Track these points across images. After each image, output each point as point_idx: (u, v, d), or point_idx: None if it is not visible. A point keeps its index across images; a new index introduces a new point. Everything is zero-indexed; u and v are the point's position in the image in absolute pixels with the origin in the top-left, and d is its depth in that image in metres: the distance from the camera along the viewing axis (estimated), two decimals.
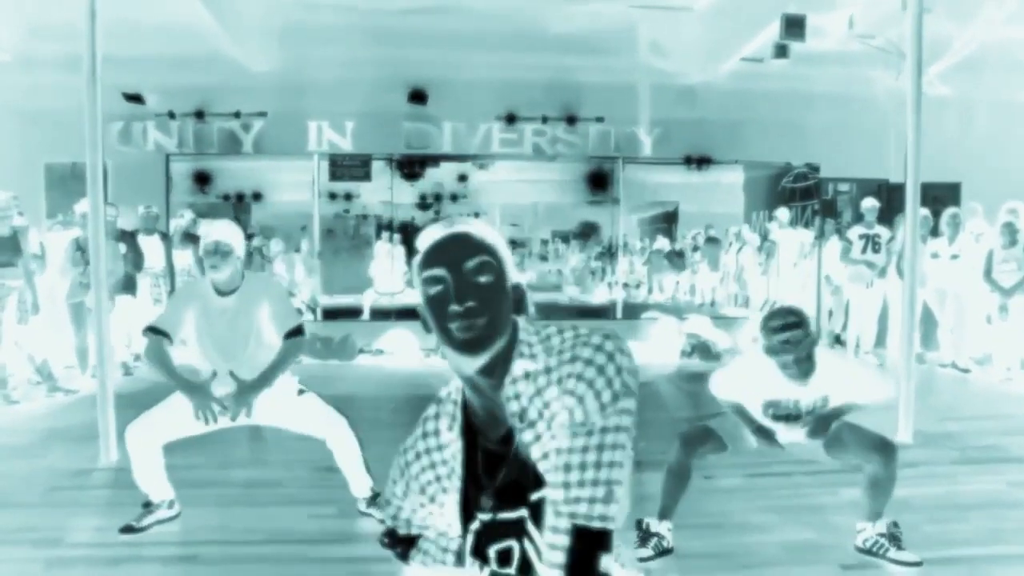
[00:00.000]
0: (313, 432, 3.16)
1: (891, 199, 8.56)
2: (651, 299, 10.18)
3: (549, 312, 9.01)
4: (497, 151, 9.00)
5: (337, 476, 3.25)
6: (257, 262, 8.68)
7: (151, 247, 6.79)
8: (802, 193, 9.36)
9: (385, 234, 9.37)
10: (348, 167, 8.70)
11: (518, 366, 1.15)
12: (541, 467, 1.13)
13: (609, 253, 9.88)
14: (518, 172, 9.61)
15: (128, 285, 6.51)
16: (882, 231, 7.31)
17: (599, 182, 9.40)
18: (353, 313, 8.84)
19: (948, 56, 7.99)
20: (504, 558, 1.21)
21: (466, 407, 1.25)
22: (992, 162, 8.34)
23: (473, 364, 1.15)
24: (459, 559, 1.26)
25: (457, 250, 1.15)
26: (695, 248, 10.35)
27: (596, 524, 1.07)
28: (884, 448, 2.68)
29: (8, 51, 7.88)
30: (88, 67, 4.00)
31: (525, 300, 1.21)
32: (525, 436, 1.14)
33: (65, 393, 5.71)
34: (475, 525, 1.22)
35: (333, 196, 9.17)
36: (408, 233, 9.56)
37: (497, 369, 1.16)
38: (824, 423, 2.73)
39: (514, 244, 10.19)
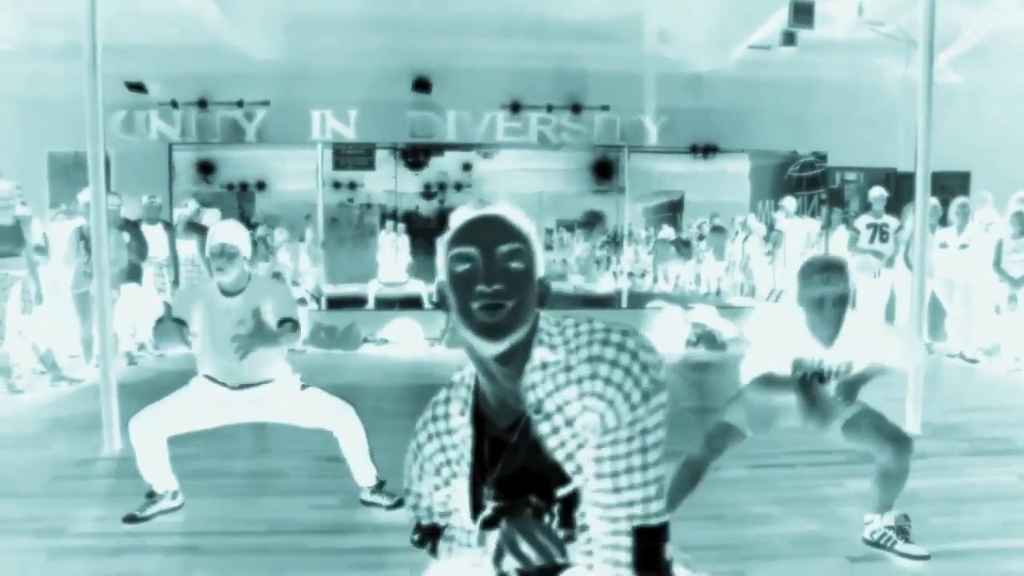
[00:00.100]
0: (321, 424, 3.16)
1: (899, 188, 8.48)
2: (656, 288, 10.14)
3: (554, 301, 8.94)
4: (502, 140, 8.94)
5: (339, 466, 3.25)
6: (261, 252, 8.66)
7: (154, 236, 6.79)
8: (809, 182, 9.29)
9: (389, 223, 9.34)
10: (352, 156, 8.66)
11: (537, 355, 1.15)
12: (565, 464, 1.14)
13: (614, 242, 9.84)
14: (523, 161, 9.54)
15: (133, 274, 6.51)
16: (890, 220, 7.25)
17: (604, 171, 9.34)
18: (357, 302, 8.82)
19: (959, 43, 7.89)
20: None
21: (477, 393, 1.24)
22: (1002, 151, 8.24)
23: (492, 349, 1.14)
24: (483, 543, 1.24)
25: (491, 232, 1.15)
26: (700, 237, 10.29)
27: (653, 521, 1.11)
28: (899, 440, 2.63)
29: (10, 40, 7.85)
30: (89, 56, 3.97)
31: (549, 295, 1.21)
32: (542, 428, 1.14)
33: (69, 382, 5.72)
34: (485, 513, 1.22)
35: (337, 185, 9.13)
36: (412, 222, 9.53)
37: (515, 357, 1.16)
38: (852, 387, 2.65)
39: None
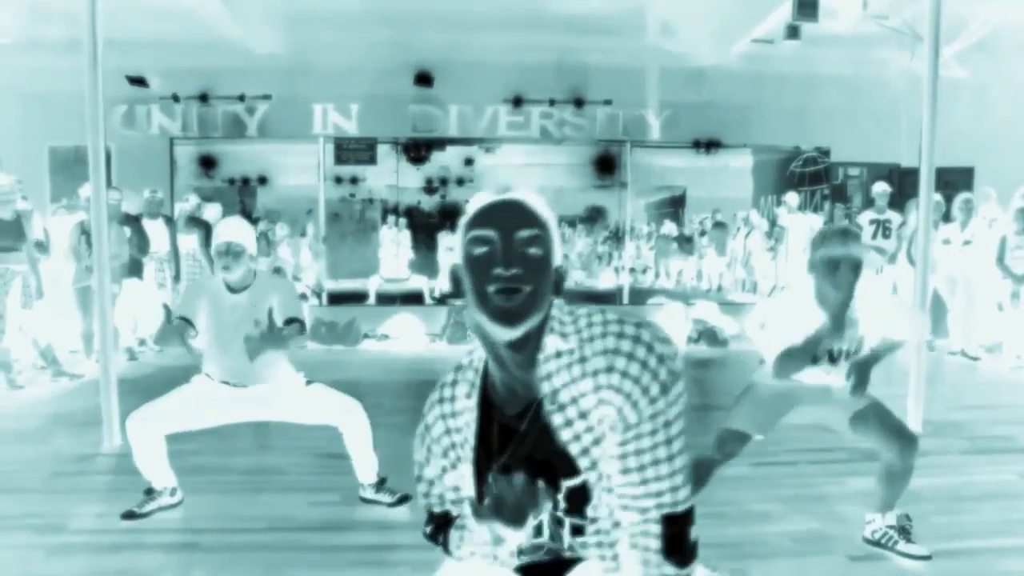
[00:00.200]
0: (328, 421, 3.14)
1: (902, 184, 8.45)
2: (657, 284, 10.13)
3: None
4: (504, 134, 8.92)
5: (339, 463, 3.24)
6: (262, 247, 8.65)
7: (155, 231, 6.78)
8: (812, 177, 9.26)
9: (391, 218, 9.33)
10: (354, 151, 8.65)
11: (550, 343, 1.15)
12: (579, 459, 1.14)
13: (616, 238, 9.82)
14: (525, 156, 9.52)
15: (135, 269, 6.51)
16: (893, 216, 7.22)
17: (606, 166, 9.32)
18: (358, 298, 8.82)
19: (964, 37, 7.84)
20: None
21: (485, 378, 1.24)
22: (1006, 146, 8.20)
23: (506, 335, 1.14)
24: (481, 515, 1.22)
25: (511, 217, 1.14)
26: (702, 233, 10.27)
27: (680, 508, 1.15)
28: (904, 438, 2.61)
29: (10, 34, 7.83)
30: (89, 50, 3.95)
31: (563, 284, 1.21)
32: (555, 419, 1.14)
33: (70, 378, 5.72)
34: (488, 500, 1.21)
35: (339, 180, 9.12)
36: (414, 217, 9.52)
37: (528, 345, 1.16)
38: (864, 372, 2.62)
39: None
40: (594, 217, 10.16)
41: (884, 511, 2.72)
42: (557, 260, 1.18)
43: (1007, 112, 8.60)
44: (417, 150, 9.20)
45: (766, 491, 3.36)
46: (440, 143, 9.16)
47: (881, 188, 7.34)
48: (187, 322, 3.05)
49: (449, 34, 8.10)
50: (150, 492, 3.09)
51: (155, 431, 2.98)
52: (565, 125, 8.95)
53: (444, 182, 9.59)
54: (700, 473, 2.74)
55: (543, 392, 1.15)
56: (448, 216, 9.55)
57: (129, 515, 3.01)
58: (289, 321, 3.08)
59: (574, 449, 1.15)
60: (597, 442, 1.14)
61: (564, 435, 1.14)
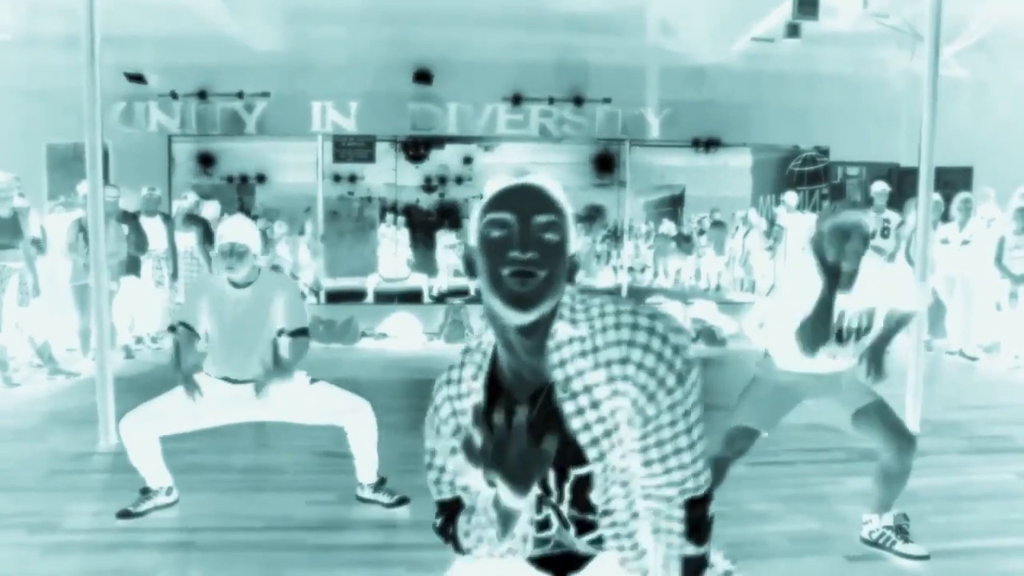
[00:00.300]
0: (334, 420, 3.11)
1: (901, 183, 8.44)
2: (656, 283, 10.12)
3: None
4: (503, 132, 8.90)
5: (337, 462, 3.23)
6: (260, 245, 8.64)
7: (153, 229, 6.76)
8: (810, 177, 9.25)
9: (389, 216, 9.31)
10: (352, 148, 8.63)
11: (561, 330, 1.15)
12: (588, 449, 1.15)
13: (614, 236, 9.81)
14: (524, 154, 9.50)
15: (132, 266, 6.49)
16: (892, 216, 7.20)
17: (606, 164, 9.30)
18: (356, 296, 8.81)
19: (964, 37, 7.83)
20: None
21: (494, 363, 1.23)
22: (1005, 146, 8.18)
23: (519, 320, 1.13)
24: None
25: (529, 201, 1.14)
26: (701, 232, 10.27)
27: (702, 492, 1.19)
28: (903, 438, 2.59)
29: (8, 30, 7.80)
30: (87, 47, 3.94)
31: (576, 272, 1.21)
32: (567, 406, 1.15)
33: (67, 376, 5.70)
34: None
35: (337, 178, 9.11)
36: (412, 216, 9.50)
37: (538, 330, 1.15)
38: (878, 356, 2.61)
39: None
40: (593, 216, 10.15)
41: (881, 512, 2.71)
42: (572, 248, 1.18)
43: (1007, 112, 8.59)
44: (416, 148, 9.18)
45: (764, 491, 3.35)
46: (439, 141, 9.15)
47: (880, 188, 7.33)
48: (189, 329, 3.04)
49: (448, 32, 8.08)
50: (146, 491, 3.08)
51: (149, 433, 2.95)
52: (564, 123, 8.93)
53: (443, 180, 9.58)
54: (714, 472, 2.71)
55: (555, 378, 1.15)
56: (447, 214, 9.54)
57: (124, 514, 3.00)
58: (295, 333, 3.07)
59: (583, 439, 1.15)
60: (607, 433, 1.14)
61: (575, 423, 1.14)
